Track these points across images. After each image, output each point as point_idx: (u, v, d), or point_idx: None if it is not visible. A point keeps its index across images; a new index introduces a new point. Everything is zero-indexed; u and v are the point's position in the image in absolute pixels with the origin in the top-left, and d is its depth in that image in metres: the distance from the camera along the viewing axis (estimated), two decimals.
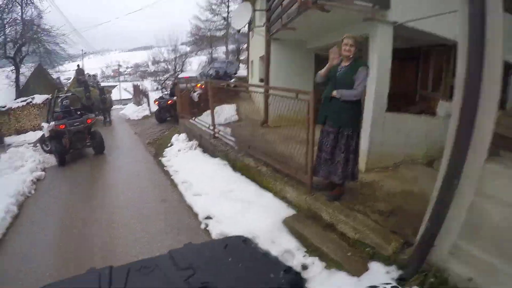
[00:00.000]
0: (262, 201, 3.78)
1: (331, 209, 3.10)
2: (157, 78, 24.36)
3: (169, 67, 25.49)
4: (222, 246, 1.25)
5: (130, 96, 26.34)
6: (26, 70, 16.77)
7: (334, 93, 2.99)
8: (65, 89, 15.94)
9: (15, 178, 6.33)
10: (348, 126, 3.03)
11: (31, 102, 13.56)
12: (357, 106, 3.06)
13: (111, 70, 72.96)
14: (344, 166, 3.09)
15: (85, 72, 16.05)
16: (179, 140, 7.50)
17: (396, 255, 2.43)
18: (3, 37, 15.44)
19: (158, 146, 8.61)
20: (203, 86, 12.18)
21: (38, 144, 8.97)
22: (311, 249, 2.83)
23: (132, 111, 15.25)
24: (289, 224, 3.22)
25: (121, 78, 41.24)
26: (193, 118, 7.58)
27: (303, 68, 7.08)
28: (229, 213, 3.63)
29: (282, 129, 4.89)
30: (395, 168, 4.07)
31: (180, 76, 15.72)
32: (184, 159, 6.30)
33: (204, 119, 7.10)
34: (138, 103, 17.51)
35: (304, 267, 2.66)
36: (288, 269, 1.08)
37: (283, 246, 2.89)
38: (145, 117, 13.83)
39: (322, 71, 3.13)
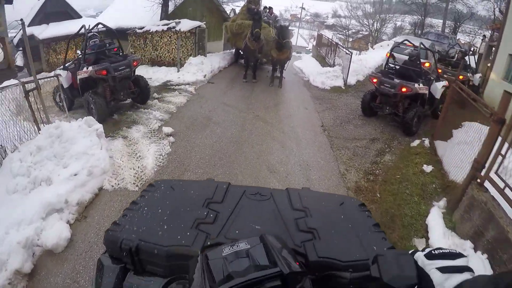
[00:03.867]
0: None
1: None
2: (345, 33, 18.71)
3: (367, 22, 19.13)
4: (339, 203, 1.23)
5: (306, 45, 21.99)
6: None
7: None
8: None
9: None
10: None
11: (174, 28, 10.04)
12: None
13: (289, 14, 71.12)
14: None
15: (261, 3, 11.70)
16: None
17: None
18: None
19: (387, 209, 3.78)
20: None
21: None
22: None
23: (315, 72, 10.51)
24: None
25: (298, 24, 37.33)
26: None
27: None
28: None
29: None
30: None
31: (399, 40, 9.68)
32: None
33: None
34: (322, 60, 12.62)
35: None
36: (391, 248, 1.02)
37: None
38: (336, 89, 8.93)
39: None
